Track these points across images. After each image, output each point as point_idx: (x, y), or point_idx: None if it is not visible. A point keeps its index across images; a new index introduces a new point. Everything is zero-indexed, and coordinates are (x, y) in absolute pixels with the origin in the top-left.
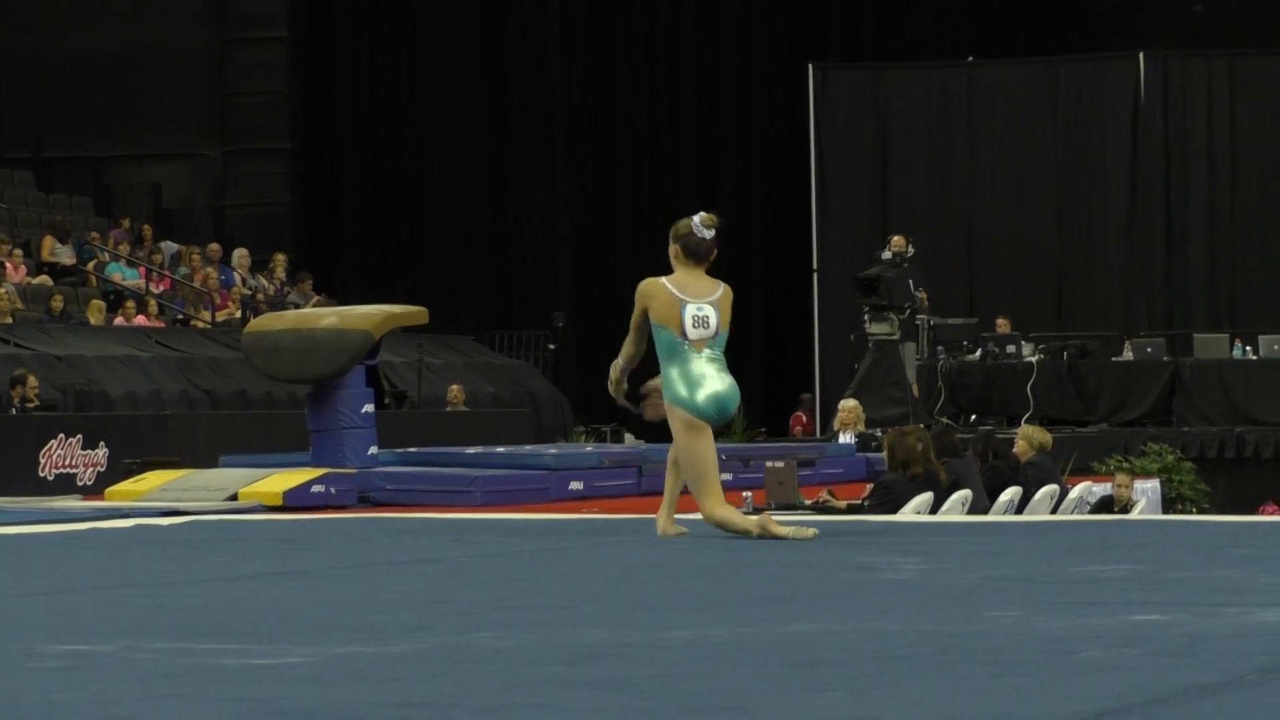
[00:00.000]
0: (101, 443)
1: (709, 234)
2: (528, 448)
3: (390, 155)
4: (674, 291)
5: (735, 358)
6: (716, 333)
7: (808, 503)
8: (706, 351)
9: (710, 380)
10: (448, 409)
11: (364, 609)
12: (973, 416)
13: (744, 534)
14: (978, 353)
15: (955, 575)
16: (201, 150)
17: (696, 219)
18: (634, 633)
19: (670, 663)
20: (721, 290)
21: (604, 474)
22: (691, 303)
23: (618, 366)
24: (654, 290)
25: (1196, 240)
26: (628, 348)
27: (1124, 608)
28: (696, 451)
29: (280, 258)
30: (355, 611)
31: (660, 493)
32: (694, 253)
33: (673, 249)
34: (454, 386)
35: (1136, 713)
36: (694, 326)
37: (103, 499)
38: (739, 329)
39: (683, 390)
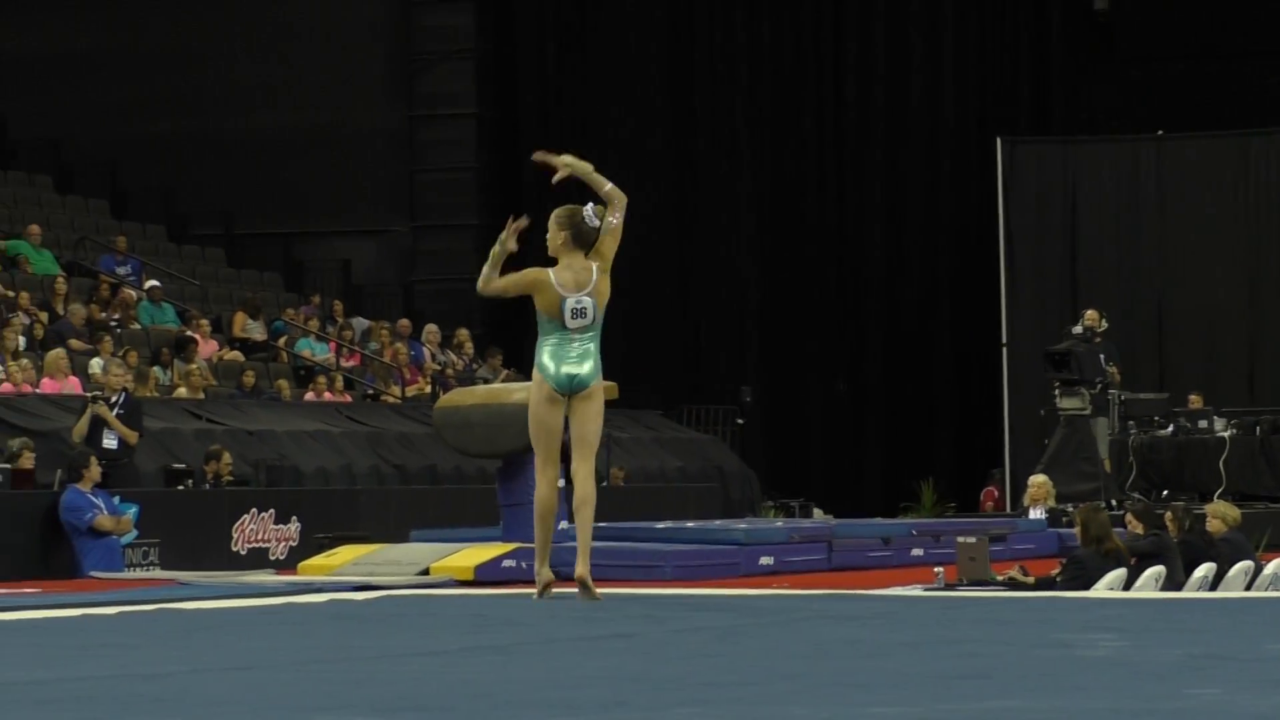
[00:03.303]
0: (294, 517)
1: (599, 223)
2: (717, 523)
3: None
4: (556, 288)
5: (923, 432)
6: (594, 319)
7: (1000, 578)
8: (586, 336)
9: (572, 362)
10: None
11: (559, 685)
12: (1164, 492)
13: (539, 546)
14: (1169, 428)
15: (1153, 652)
16: (390, 226)
17: (589, 208)
18: (833, 709)
19: None
20: (595, 274)
21: (794, 549)
22: (570, 296)
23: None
24: (541, 284)
25: None
26: (491, 273)
27: None
28: (547, 425)
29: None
30: (551, 687)
31: (849, 568)
32: (583, 240)
33: (561, 235)
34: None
35: None
36: (573, 318)
37: (295, 573)
38: (927, 403)
39: (549, 362)
